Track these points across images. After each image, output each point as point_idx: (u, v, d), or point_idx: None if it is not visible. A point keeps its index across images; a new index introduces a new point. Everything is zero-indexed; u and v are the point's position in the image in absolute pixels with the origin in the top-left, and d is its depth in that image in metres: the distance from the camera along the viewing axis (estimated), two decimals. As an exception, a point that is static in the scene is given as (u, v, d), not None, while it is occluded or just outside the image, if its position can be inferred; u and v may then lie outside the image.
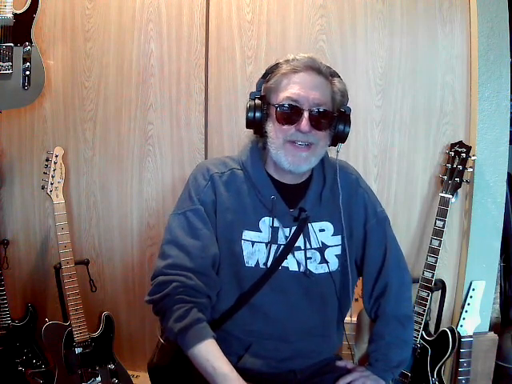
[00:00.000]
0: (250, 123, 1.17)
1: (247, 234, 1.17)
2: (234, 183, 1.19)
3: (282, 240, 1.17)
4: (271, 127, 1.16)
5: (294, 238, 1.17)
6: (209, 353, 1.04)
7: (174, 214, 1.19)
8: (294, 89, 1.12)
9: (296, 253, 1.18)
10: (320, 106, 1.12)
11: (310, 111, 1.11)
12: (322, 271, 1.20)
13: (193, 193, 1.19)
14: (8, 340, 1.84)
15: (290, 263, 1.18)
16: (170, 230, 1.17)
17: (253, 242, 1.16)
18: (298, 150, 1.13)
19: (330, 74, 1.17)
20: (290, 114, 1.12)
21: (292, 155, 1.13)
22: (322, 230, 1.20)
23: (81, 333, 1.75)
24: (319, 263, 1.20)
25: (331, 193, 1.21)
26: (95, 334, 1.79)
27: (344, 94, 1.18)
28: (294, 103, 1.12)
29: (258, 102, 1.16)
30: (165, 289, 1.09)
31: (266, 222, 1.17)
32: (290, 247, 1.17)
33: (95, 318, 1.85)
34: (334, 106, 1.16)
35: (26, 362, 1.85)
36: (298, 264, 1.18)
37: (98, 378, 1.77)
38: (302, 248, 1.18)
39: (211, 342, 1.05)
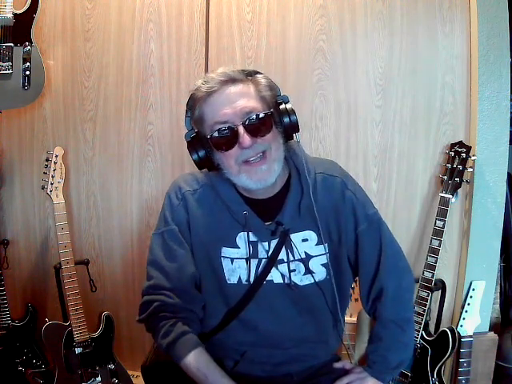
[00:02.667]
0: (199, 165, 1.14)
1: (226, 251, 1.15)
2: (207, 200, 1.17)
3: (262, 254, 1.15)
4: (219, 158, 1.10)
5: (276, 252, 1.14)
6: (198, 362, 1.05)
7: (154, 233, 1.20)
8: (217, 111, 1.06)
9: (279, 266, 1.15)
10: (251, 113, 1.06)
11: (244, 124, 1.05)
12: (308, 282, 1.17)
13: (167, 213, 1.19)
14: (8, 340, 1.84)
15: (275, 276, 1.15)
16: (151, 251, 1.19)
17: (232, 259, 1.15)
18: (256, 165, 1.07)
19: (246, 76, 1.10)
20: (226, 138, 1.06)
21: (254, 173, 1.07)
22: (305, 240, 1.16)
23: (81, 333, 1.75)
24: (304, 274, 1.16)
25: (311, 201, 1.14)
26: (95, 334, 1.79)
27: (272, 87, 1.11)
28: (223, 125, 1.06)
29: (195, 141, 1.11)
30: (149, 308, 1.13)
31: (242, 237, 1.15)
32: (272, 261, 1.14)
33: (95, 318, 1.85)
34: (266, 103, 1.10)
35: (26, 362, 1.85)
36: (283, 276, 1.16)
37: (98, 378, 1.77)
38: (285, 261, 1.15)
39: (199, 350, 1.07)
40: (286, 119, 1.10)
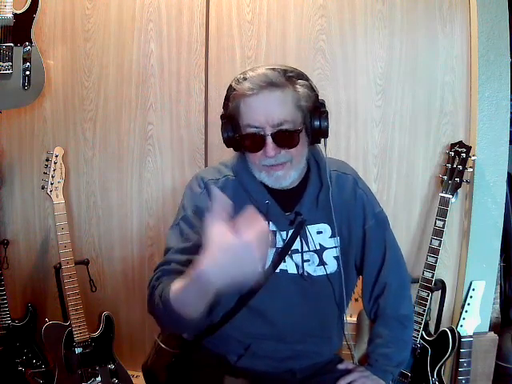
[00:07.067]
0: (227, 143, 1.17)
1: None
2: (229, 189, 1.19)
3: (279, 243, 1.17)
4: (245, 151, 1.15)
5: (291, 241, 1.16)
6: (175, 284, 0.92)
7: (171, 226, 1.20)
8: (251, 114, 1.08)
9: (294, 256, 1.17)
10: (283, 125, 1.07)
11: (273, 134, 1.07)
12: (321, 273, 1.19)
13: (188, 202, 1.19)
14: (8, 340, 1.83)
15: (289, 266, 1.17)
16: (168, 242, 1.18)
17: None
18: (274, 169, 1.11)
19: (288, 80, 1.09)
20: (254, 142, 1.09)
21: (270, 175, 1.12)
22: (319, 233, 1.19)
23: (81, 333, 1.75)
24: (317, 265, 1.19)
25: (328, 195, 1.19)
26: (95, 334, 1.79)
27: (310, 96, 1.11)
28: (254, 130, 1.08)
29: (228, 123, 1.14)
30: (150, 283, 1.07)
31: None
32: (287, 250, 1.16)
33: (95, 318, 1.85)
34: (302, 114, 1.11)
35: (26, 362, 1.84)
36: (297, 266, 1.18)
37: (98, 378, 1.77)
38: (300, 251, 1.17)
39: (176, 280, 0.94)
40: (317, 124, 1.12)
